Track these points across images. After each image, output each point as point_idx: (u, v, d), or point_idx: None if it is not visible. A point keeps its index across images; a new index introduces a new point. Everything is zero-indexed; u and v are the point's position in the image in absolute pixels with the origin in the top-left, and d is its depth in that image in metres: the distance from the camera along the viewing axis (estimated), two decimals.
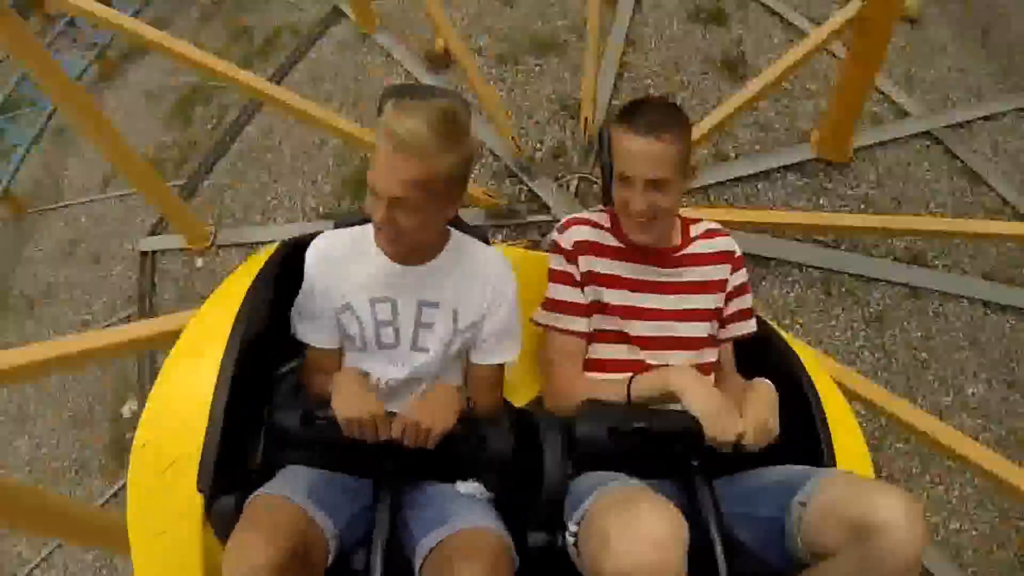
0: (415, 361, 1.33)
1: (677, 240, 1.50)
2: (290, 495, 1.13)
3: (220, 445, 1.14)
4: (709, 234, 1.53)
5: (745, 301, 1.54)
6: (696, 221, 1.55)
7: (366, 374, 1.32)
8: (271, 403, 1.32)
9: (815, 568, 1.13)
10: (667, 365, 1.37)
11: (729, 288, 1.51)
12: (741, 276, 1.53)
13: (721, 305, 1.50)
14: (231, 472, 1.17)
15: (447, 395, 1.26)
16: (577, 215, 1.51)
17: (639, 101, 1.40)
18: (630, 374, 1.36)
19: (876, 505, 1.05)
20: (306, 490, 1.16)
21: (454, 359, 1.37)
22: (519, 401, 1.56)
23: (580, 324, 1.45)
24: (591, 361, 1.47)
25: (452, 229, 1.39)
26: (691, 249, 1.50)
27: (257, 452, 1.33)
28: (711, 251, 1.51)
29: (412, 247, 1.29)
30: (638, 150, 1.34)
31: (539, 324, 1.48)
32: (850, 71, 3.15)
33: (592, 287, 1.44)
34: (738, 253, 1.53)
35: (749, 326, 1.55)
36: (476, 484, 1.32)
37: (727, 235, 1.55)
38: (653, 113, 1.36)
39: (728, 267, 1.51)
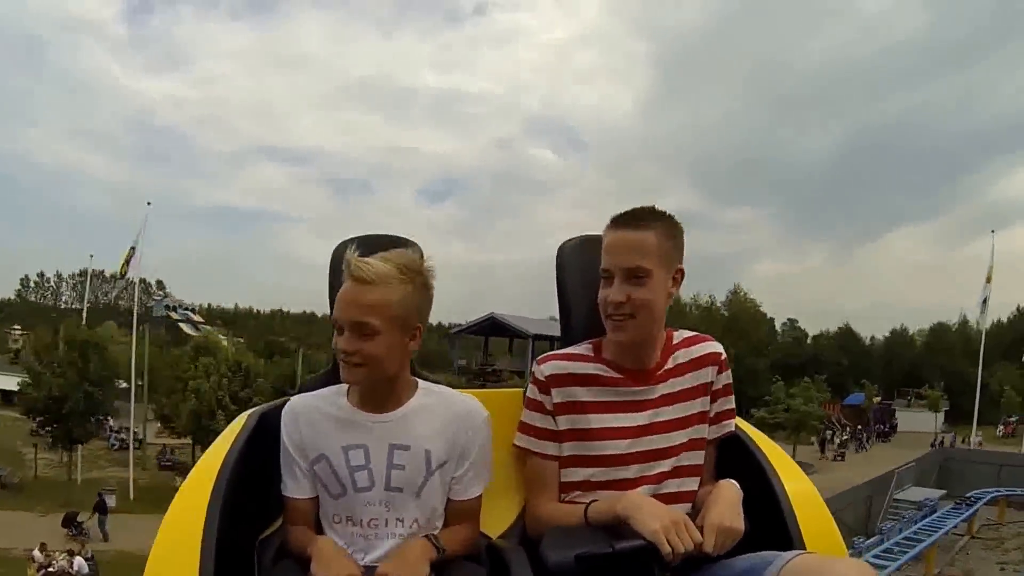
0: (393, 504, 1.42)
1: (659, 357, 1.52)
2: None
3: None
4: (693, 340, 1.57)
5: (728, 403, 1.59)
6: (678, 329, 1.58)
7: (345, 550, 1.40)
8: (259, 571, 1.40)
9: None
10: (632, 480, 1.46)
11: (714, 388, 1.56)
12: (725, 378, 1.57)
13: (706, 408, 1.55)
14: None
15: (419, 548, 1.35)
16: (557, 351, 1.59)
17: (624, 210, 1.46)
18: (588, 501, 1.43)
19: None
20: None
21: (433, 498, 1.44)
22: (495, 529, 1.61)
23: (550, 448, 1.53)
24: (568, 484, 1.52)
25: (420, 381, 1.51)
26: (671, 362, 1.53)
27: None
28: (694, 356, 1.54)
29: (377, 378, 1.39)
30: (618, 239, 1.42)
31: (517, 447, 1.57)
32: None
33: (567, 416, 1.51)
34: (723, 356, 1.57)
35: (728, 427, 1.59)
36: None
37: (711, 339, 1.58)
38: (635, 211, 1.44)
39: (714, 368, 1.55)
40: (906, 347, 62.40)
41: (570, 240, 1.72)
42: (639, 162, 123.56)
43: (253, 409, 1.60)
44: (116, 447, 33.77)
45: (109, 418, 32.09)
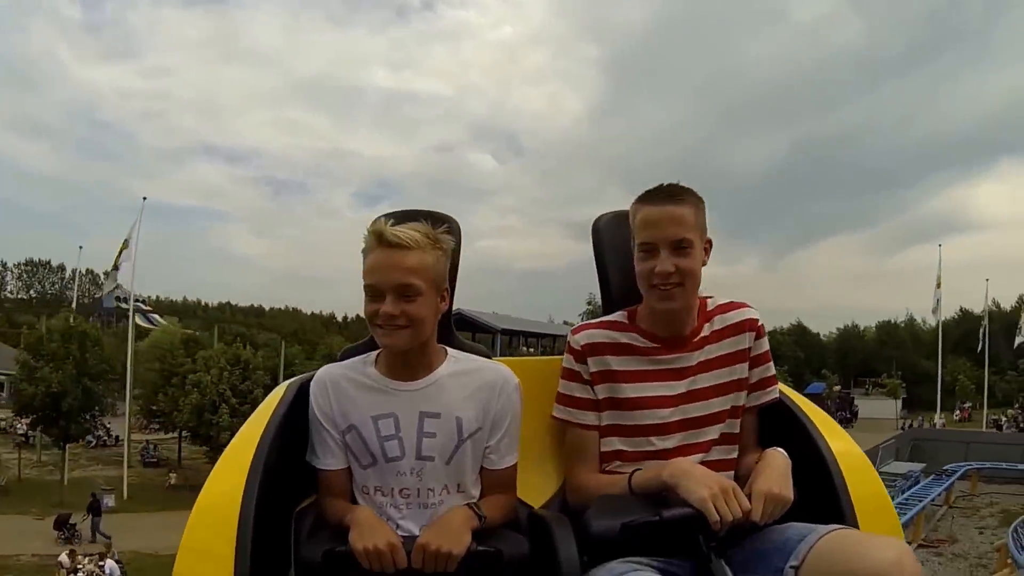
0: (423, 473, 1.42)
1: (695, 324, 1.54)
2: None
3: None
4: (728, 307, 1.57)
5: (768, 369, 1.58)
6: (711, 297, 1.60)
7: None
8: (295, 541, 1.41)
9: None
10: (673, 449, 1.47)
11: (753, 354, 1.55)
12: (763, 344, 1.56)
13: (744, 375, 1.54)
14: None
15: (461, 516, 1.36)
16: (591, 320, 1.62)
17: (653, 187, 1.51)
18: (633, 469, 1.44)
19: (865, 556, 1.11)
20: None
21: (463, 465, 1.45)
22: (537, 499, 1.62)
23: (589, 418, 1.54)
24: (609, 453, 1.53)
25: (449, 348, 1.53)
26: (707, 329, 1.54)
27: None
28: (730, 323, 1.55)
29: (417, 341, 1.41)
30: (660, 214, 1.44)
31: (556, 418, 1.58)
32: None
33: (605, 385, 1.52)
34: (760, 321, 1.57)
35: (772, 393, 1.58)
36: None
37: (747, 305, 1.59)
38: (669, 187, 1.49)
39: (751, 335, 1.55)
40: (859, 341, 66.97)
41: (603, 216, 1.76)
42: (576, 170, 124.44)
43: (293, 379, 1.61)
44: (93, 444, 32.80)
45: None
